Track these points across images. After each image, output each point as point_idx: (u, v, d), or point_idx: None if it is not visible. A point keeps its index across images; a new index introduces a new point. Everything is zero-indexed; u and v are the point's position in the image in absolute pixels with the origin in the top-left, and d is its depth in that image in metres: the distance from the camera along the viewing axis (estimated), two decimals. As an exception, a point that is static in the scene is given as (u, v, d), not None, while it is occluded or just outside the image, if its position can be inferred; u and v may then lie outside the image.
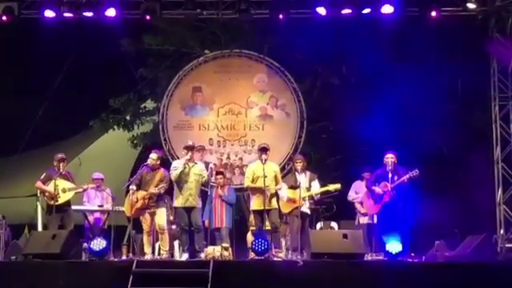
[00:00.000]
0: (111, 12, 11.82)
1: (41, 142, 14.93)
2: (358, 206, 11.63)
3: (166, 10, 12.09)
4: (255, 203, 10.37)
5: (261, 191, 10.22)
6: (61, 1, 11.82)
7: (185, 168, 10.28)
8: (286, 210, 10.70)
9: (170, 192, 10.64)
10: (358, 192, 11.64)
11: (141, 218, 10.50)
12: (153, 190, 10.33)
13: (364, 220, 11.59)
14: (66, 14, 11.86)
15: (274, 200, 10.38)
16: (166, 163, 11.37)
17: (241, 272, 9.03)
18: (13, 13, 11.68)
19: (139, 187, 10.46)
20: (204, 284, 8.63)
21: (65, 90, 14.58)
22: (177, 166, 10.36)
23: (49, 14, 11.85)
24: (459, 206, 12.80)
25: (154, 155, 10.62)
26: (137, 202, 10.36)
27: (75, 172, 11.94)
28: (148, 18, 11.83)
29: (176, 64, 14.74)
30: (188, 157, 10.34)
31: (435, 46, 13.91)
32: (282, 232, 10.94)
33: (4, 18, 11.70)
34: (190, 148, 10.41)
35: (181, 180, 10.26)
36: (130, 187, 10.45)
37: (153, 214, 10.44)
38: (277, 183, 10.42)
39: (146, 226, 10.49)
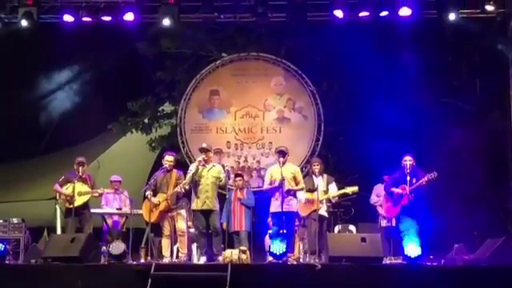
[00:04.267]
0: (129, 16, 11.88)
1: (60, 145, 15.03)
2: (379, 209, 11.58)
3: (184, 13, 12.13)
4: (272, 205, 10.38)
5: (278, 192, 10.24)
6: (79, 5, 11.91)
7: (197, 170, 10.25)
8: (303, 212, 10.69)
9: (188, 195, 10.65)
10: (379, 195, 11.57)
11: (163, 222, 10.49)
12: (176, 189, 10.31)
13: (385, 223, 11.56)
14: (85, 19, 11.94)
15: (292, 202, 10.36)
16: (183, 166, 11.40)
17: (258, 276, 9.02)
18: (32, 17, 11.76)
19: (155, 192, 10.49)
20: (222, 287, 8.64)
21: (83, 94, 14.69)
22: (192, 169, 10.37)
23: (67, 18, 11.94)
24: (477, 209, 12.71)
25: (170, 157, 10.63)
26: (159, 204, 10.39)
27: (94, 175, 12.00)
28: (166, 23, 11.82)
29: (193, 67, 14.80)
30: (201, 158, 10.31)
31: (453, 48, 13.87)
32: (299, 235, 10.95)
33: (24, 22, 11.78)
34: (204, 150, 10.40)
35: (197, 182, 10.26)
36: (147, 193, 10.46)
37: (174, 217, 10.47)
38: (296, 184, 10.40)
39: (166, 230, 10.51)
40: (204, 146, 10.51)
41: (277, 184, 10.21)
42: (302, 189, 10.47)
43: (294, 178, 10.38)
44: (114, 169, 13.06)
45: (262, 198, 11.20)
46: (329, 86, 14.60)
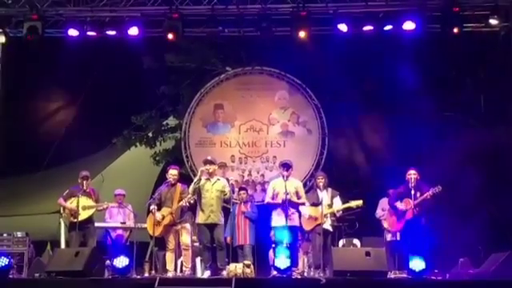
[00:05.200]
0: (134, 31, 11.91)
1: (64, 159, 15.04)
2: (384, 223, 11.55)
3: (188, 28, 12.16)
4: (274, 219, 10.36)
5: (280, 207, 10.21)
6: (84, 20, 11.95)
7: (200, 181, 10.25)
8: (307, 227, 10.67)
9: (192, 209, 10.64)
10: (384, 209, 11.55)
11: (168, 236, 10.48)
12: (181, 202, 10.30)
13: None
14: (90, 33, 11.97)
15: (294, 216, 10.33)
16: (187, 180, 11.39)
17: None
18: (37, 32, 11.78)
19: (159, 206, 10.48)
20: (226, 301, 8.63)
21: (88, 108, 14.72)
22: (195, 181, 10.34)
23: (72, 32, 11.97)
24: (482, 223, 12.67)
25: (174, 171, 10.64)
26: (163, 219, 10.38)
27: (98, 188, 12.00)
28: (170, 37, 11.83)
29: (198, 81, 14.84)
30: (203, 168, 10.27)
31: (457, 62, 13.89)
32: (303, 249, 10.92)
33: (28, 36, 11.80)
34: (208, 162, 10.35)
35: (202, 196, 10.24)
36: (151, 207, 10.44)
37: (178, 231, 10.46)
38: (298, 199, 10.38)
39: (171, 244, 10.49)
40: (209, 158, 10.51)
41: (280, 198, 10.20)
42: (303, 203, 10.45)
43: (297, 193, 10.38)
44: (118, 183, 13.07)
45: (265, 212, 11.17)
46: (333, 99, 14.60)
